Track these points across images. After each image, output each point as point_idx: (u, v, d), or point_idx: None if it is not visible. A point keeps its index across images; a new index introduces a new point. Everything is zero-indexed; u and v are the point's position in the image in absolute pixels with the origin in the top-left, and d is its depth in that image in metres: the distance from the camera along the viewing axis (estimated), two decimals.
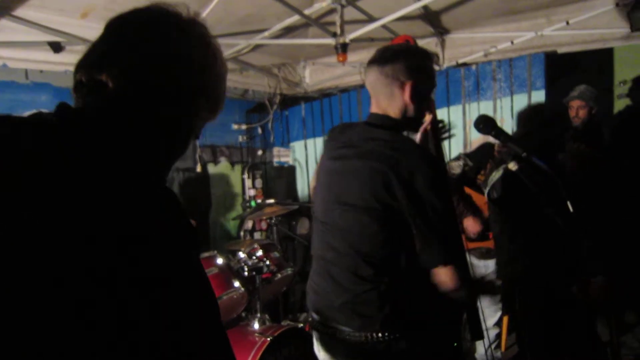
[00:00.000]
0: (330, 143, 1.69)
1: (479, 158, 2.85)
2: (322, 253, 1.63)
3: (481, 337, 1.69)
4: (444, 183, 1.50)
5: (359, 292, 1.49)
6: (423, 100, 1.61)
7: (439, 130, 1.85)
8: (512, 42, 3.65)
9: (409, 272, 1.49)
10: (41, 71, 3.29)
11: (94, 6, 2.74)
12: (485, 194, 2.35)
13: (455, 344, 1.65)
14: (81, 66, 0.80)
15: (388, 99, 1.59)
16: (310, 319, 1.69)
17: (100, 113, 0.76)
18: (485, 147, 2.97)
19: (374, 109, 1.63)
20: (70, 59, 3.14)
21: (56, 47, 2.94)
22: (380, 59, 1.60)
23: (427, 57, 1.66)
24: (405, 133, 1.66)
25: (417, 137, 1.73)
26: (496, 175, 2.21)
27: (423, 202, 1.41)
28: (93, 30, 2.99)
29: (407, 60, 1.58)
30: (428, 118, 1.68)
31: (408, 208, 1.42)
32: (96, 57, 0.79)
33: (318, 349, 1.66)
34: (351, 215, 1.52)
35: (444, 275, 1.45)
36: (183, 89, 0.81)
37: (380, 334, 1.47)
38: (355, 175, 1.52)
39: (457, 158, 3.02)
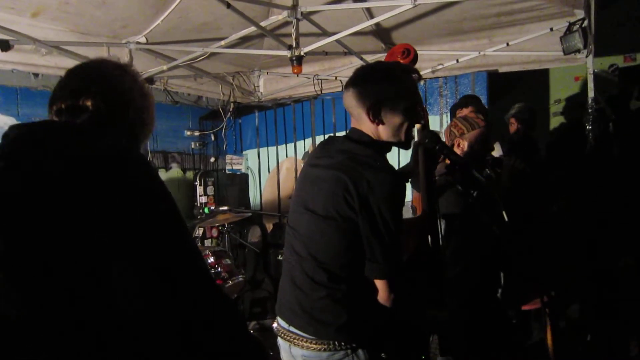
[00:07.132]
0: (313, 152, 1.71)
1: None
2: (288, 257, 1.64)
3: (448, 353, 1.72)
4: (400, 202, 1.52)
5: (315, 298, 1.50)
6: (399, 119, 1.54)
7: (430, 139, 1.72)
8: (457, 61, 3.88)
9: (369, 283, 1.49)
10: None
11: (46, 5, 2.70)
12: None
13: (423, 357, 1.68)
14: (57, 98, 1.15)
15: (358, 121, 1.58)
16: (275, 325, 1.68)
17: (91, 122, 1.14)
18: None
19: (353, 124, 1.62)
20: (18, 57, 3.06)
21: (4, 46, 2.86)
22: (350, 81, 1.58)
23: (393, 75, 1.56)
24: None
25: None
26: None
27: (375, 216, 1.43)
28: (43, 30, 2.97)
29: (370, 81, 1.54)
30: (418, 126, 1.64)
31: (361, 220, 1.46)
32: (71, 91, 1.16)
33: (282, 356, 1.66)
34: (313, 221, 1.53)
35: (380, 288, 1.50)
36: (135, 105, 1.22)
37: (336, 343, 1.48)
38: (321, 184, 1.54)
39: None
